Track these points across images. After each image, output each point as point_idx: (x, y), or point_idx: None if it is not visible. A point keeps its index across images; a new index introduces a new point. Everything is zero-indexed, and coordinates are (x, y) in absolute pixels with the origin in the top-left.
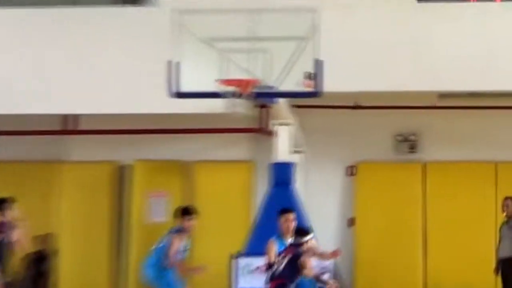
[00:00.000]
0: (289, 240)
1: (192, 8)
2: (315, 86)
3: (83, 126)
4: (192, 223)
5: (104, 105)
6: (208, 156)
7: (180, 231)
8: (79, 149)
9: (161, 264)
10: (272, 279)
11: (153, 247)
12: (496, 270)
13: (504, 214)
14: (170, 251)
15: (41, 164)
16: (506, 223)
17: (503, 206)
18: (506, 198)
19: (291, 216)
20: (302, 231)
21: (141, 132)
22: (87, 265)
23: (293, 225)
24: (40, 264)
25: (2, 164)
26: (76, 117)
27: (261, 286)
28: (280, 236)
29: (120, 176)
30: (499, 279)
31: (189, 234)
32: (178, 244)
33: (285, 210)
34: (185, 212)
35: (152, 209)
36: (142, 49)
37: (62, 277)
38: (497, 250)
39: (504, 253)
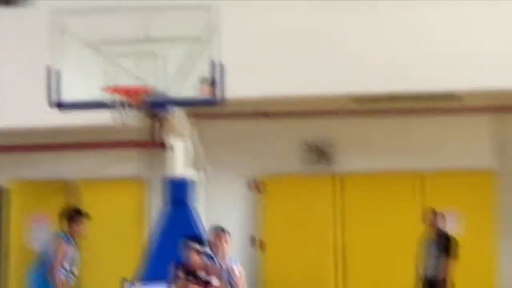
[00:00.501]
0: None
1: (73, 7)
2: (215, 92)
3: None
4: (81, 228)
5: None
6: (95, 174)
7: (66, 237)
8: None
9: (44, 277)
10: None
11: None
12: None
13: (427, 228)
14: (56, 258)
15: None
16: (431, 239)
17: (425, 219)
18: (430, 210)
19: (223, 235)
20: (191, 238)
21: (18, 149)
22: None
23: (225, 246)
24: None
25: None
26: None
27: None
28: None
29: None
30: None
31: (78, 241)
32: (65, 251)
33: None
34: (73, 214)
35: (33, 236)
36: (16, 53)
37: None
38: (420, 268)
39: (430, 272)
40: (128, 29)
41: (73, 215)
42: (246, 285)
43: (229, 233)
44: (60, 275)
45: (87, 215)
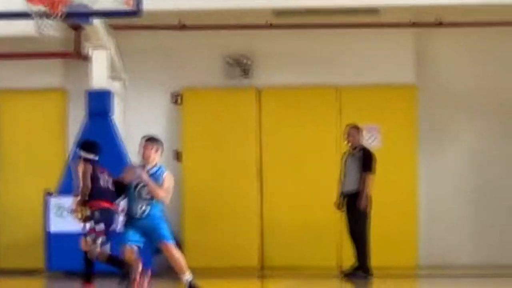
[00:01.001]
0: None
1: None
2: (134, 3)
3: None
4: None
5: None
6: (14, 84)
7: None
8: None
9: None
10: None
11: None
12: (339, 205)
13: (347, 143)
14: None
15: None
16: (350, 154)
17: (345, 134)
18: (349, 126)
19: (146, 144)
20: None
21: None
22: None
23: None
24: None
25: None
26: None
27: (75, 229)
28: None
29: None
30: (342, 214)
31: None
32: None
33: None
34: None
35: None
36: None
37: None
38: (341, 184)
39: (350, 187)
40: None
41: None
42: (169, 194)
43: (154, 142)
44: None
45: None
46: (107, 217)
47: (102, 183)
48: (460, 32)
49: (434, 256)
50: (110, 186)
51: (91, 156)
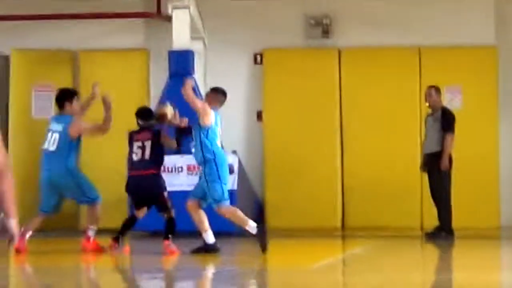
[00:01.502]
0: None
1: None
2: None
3: None
4: (76, 106)
5: None
6: (97, 44)
7: (70, 117)
8: None
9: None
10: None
11: (49, 148)
12: (423, 167)
13: (428, 104)
14: (85, 128)
15: None
16: (431, 115)
17: (426, 95)
18: (430, 87)
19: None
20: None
21: (19, 18)
22: None
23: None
24: None
25: None
26: None
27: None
28: None
29: None
30: (424, 175)
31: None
32: (82, 127)
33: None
34: (68, 95)
35: (37, 104)
36: None
37: None
38: (423, 145)
39: (431, 148)
40: None
41: (69, 96)
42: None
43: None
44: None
45: (77, 93)
46: (128, 185)
47: (134, 156)
48: None
49: None
50: (145, 155)
51: (142, 123)
